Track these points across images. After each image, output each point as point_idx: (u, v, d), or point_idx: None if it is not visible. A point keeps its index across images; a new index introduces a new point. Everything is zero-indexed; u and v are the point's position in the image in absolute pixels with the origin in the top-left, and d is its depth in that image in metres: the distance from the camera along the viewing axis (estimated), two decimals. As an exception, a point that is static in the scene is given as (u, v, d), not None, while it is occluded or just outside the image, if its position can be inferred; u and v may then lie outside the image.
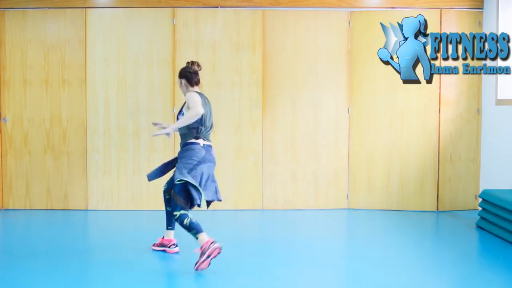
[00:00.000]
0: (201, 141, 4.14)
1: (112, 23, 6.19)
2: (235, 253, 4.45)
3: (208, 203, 4.21)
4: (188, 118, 4.00)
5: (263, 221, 5.91)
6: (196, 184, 4.01)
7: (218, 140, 6.12)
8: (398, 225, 5.61)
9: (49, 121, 6.23)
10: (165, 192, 4.51)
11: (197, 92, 4.22)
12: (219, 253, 3.91)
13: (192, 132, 4.13)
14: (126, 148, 6.23)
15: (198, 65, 4.34)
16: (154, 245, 4.60)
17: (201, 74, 6.09)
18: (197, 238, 3.98)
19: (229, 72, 6.22)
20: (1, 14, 6.19)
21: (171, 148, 6.21)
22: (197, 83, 4.31)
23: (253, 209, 6.25)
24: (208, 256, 3.87)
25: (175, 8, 6.18)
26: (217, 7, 6.21)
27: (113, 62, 6.19)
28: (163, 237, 4.58)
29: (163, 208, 6.23)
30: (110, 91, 6.20)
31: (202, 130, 4.15)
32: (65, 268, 4.08)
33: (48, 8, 6.19)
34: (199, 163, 4.08)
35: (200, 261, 3.89)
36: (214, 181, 4.19)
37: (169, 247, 4.52)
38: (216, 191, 4.20)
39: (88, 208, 6.25)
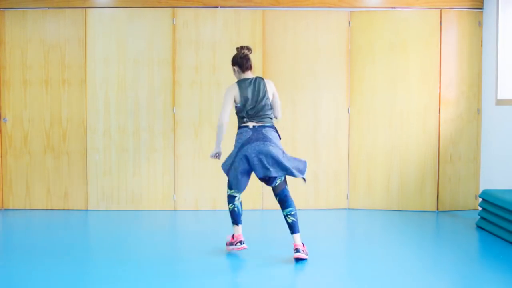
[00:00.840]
0: (250, 124, 4.20)
1: (112, 23, 6.19)
2: (235, 253, 4.45)
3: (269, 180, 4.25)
4: (217, 133, 4.25)
5: (263, 221, 5.91)
6: (225, 171, 4.28)
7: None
8: (398, 225, 5.61)
9: (49, 121, 6.23)
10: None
11: (241, 80, 4.26)
12: (242, 249, 4.34)
13: (239, 117, 4.27)
14: (126, 148, 6.23)
15: (248, 49, 4.27)
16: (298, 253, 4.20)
17: (201, 74, 6.23)
18: (232, 226, 4.44)
19: (229, 72, 6.11)
20: (1, 14, 6.19)
21: (171, 148, 6.22)
22: (248, 68, 4.27)
23: (253, 209, 6.24)
24: (232, 248, 4.40)
25: (175, 8, 6.18)
26: (217, 7, 6.21)
27: (113, 62, 6.19)
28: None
29: (163, 208, 6.29)
30: (110, 91, 6.21)
31: (248, 114, 4.20)
32: (64, 268, 4.08)
33: (48, 8, 6.19)
34: (243, 145, 4.14)
35: (228, 246, 4.47)
36: (261, 158, 4.06)
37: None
38: (263, 167, 4.07)
39: (88, 208, 6.25)
